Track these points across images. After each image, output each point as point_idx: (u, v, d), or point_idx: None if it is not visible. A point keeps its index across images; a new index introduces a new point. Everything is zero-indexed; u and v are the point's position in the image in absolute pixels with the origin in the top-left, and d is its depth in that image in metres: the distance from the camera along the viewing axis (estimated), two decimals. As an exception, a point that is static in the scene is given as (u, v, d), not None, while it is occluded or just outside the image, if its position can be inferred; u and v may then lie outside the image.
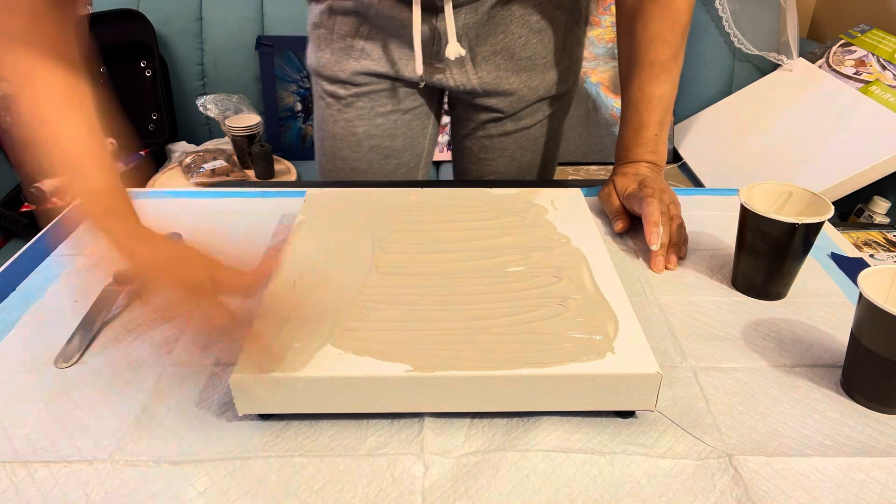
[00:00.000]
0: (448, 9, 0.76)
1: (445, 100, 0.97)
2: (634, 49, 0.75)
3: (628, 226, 0.73)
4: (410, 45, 0.81)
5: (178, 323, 0.59)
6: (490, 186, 0.73)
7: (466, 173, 1.00)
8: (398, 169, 0.95)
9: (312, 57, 0.90)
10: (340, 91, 0.89)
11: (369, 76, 0.87)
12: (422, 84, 0.87)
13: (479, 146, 0.95)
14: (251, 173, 1.69)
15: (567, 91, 0.92)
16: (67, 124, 0.54)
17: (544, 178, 1.00)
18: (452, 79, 0.86)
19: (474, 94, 0.88)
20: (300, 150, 1.88)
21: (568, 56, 0.88)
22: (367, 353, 0.48)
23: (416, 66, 0.81)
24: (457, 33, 0.78)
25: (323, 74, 0.89)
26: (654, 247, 0.66)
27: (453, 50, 0.78)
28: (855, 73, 1.56)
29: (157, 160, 1.77)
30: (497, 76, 0.86)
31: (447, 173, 1.73)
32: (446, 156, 1.78)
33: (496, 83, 0.87)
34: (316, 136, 0.97)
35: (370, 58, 0.85)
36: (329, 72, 0.88)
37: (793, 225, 0.58)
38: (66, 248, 0.71)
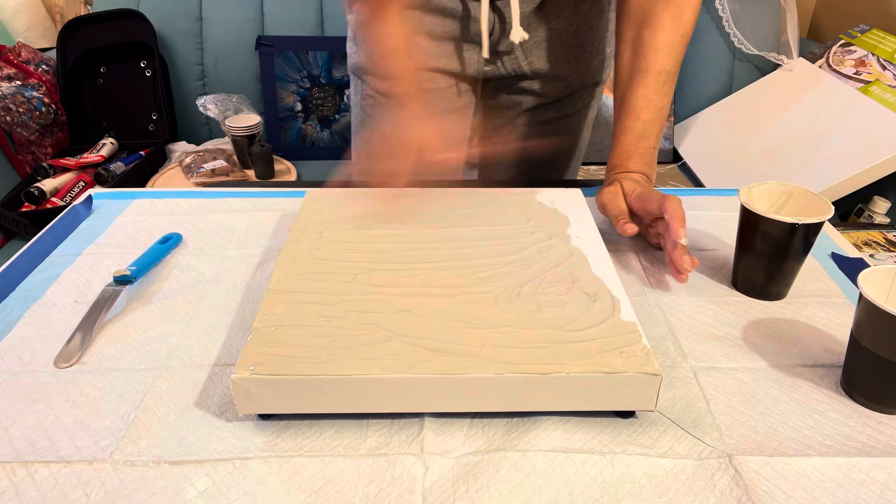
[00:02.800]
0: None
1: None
2: (641, 56, 0.74)
3: (637, 228, 0.70)
4: (466, 38, 0.82)
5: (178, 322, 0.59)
6: (489, 186, 0.73)
7: (492, 157, 1.00)
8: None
9: (361, 57, 0.89)
10: (394, 89, 0.87)
11: (428, 72, 0.87)
12: (481, 73, 0.86)
13: (518, 133, 0.95)
14: (251, 173, 1.69)
15: (604, 79, 0.94)
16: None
17: (575, 167, 1.01)
18: (503, 67, 0.87)
19: (522, 77, 0.89)
20: (300, 150, 1.88)
21: (608, 44, 0.90)
22: (366, 353, 0.48)
23: (483, 51, 0.81)
24: (520, 15, 0.79)
25: (374, 72, 0.88)
26: (684, 240, 0.63)
27: (517, 34, 0.79)
28: (855, 73, 1.56)
29: (157, 160, 1.77)
30: (548, 61, 0.87)
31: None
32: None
33: (547, 67, 0.87)
34: (359, 138, 0.95)
35: (425, 53, 0.85)
36: (382, 70, 0.86)
37: (793, 225, 0.58)
38: (66, 248, 0.71)
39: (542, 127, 0.94)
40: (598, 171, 1.84)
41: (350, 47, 0.92)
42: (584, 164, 1.86)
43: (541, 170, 0.99)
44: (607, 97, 1.85)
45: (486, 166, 1.02)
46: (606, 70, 0.92)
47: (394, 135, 0.89)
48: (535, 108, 0.92)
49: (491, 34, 0.82)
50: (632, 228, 0.68)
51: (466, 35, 0.83)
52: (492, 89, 0.95)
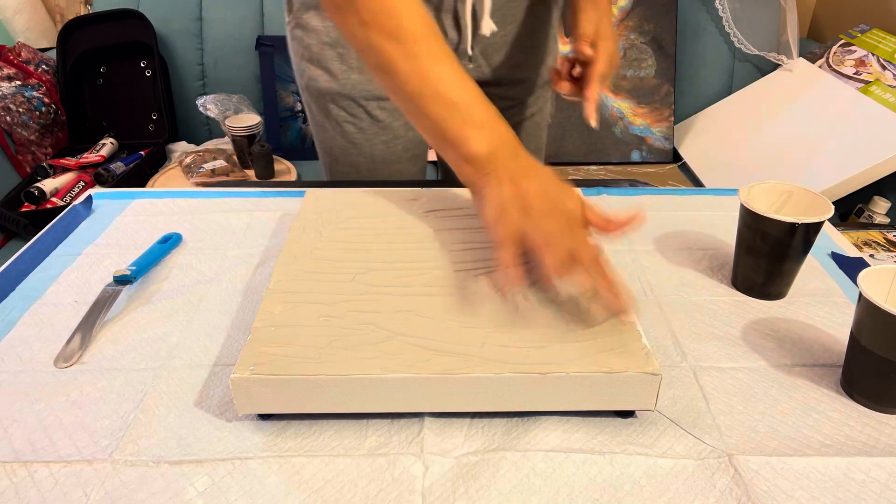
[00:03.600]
0: None
1: None
2: None
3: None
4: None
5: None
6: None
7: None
8: (417, 167, 0.95)
9: (330, 81, 0.83)
10: (377, 111, 0.84)
11: None
12: (471, 66, 0.85)
13: None
14: (251, 173, 1.69)
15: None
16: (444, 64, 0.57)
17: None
18: (469, 72, 0.86)
19: (487, 84, 0.88)
20: (300, 150, 1.88)
21: (556, 42, 0.92)
22: (366, 353, 0.48)
23: (469, 45, 0.81)
24: (490, 9, 0.79)
25: (350, 96, 0.83)
26: (593, 122, 0.67)
27: (487, 25, 0.79)
28: (855, 73, 1.56)
29: (157, 160, 1.77)
30: (510, 66, 0.87)
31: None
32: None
33: (510, 72, 0.88)
34: (344, 162, 0.91)
35: None
36: (360, 92, 0.83)
37: (793, 225, 0.58)
38: (66, 248, 0.71)
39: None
40: (598, 171, 1.84)
41: (306, 70, 0.85)
42: (584, 164, 1.86)
43: None
44: (607, 97, 1.86)
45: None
46: (556, 62, 0.94)
47: (382, 155, 0.87)
48: (504, 112, 0.92)
49: (458, 42, 0.82)
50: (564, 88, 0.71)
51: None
52: None
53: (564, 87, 0.73)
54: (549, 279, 0.54)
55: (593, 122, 0.68)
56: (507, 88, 0.90)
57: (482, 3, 0.78)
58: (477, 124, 0.57)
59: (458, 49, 0.83)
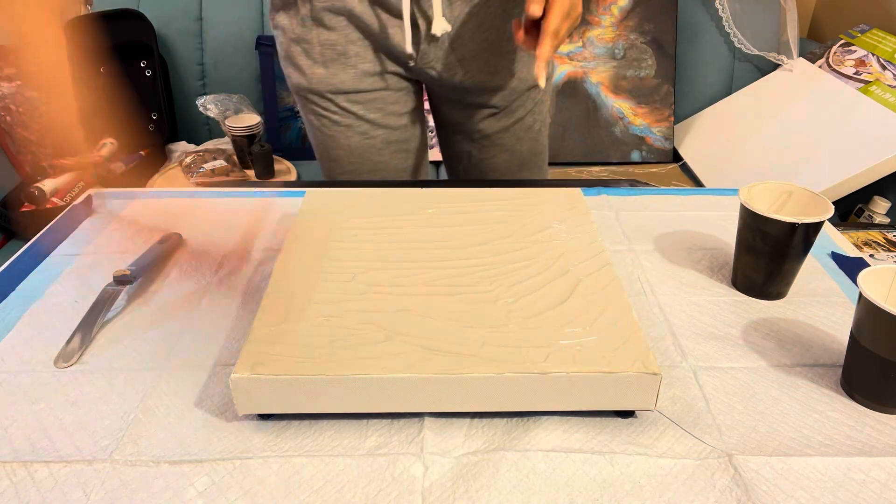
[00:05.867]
0: None
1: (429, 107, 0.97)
2: None
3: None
4: (397, 40, 0.81)
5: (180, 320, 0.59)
6: (488, 186, 0.73)
7: (467, 177, 1.00)
8: (407, 163, 0.95)
9: (300, 77, 0.86)
10: (346, 104, 0.87)
11: (371, 78, 0.86)
12: (412, 63, 0.85)
13: (477, 147, 0.96)
14: (251, 173, 1.69)
15: (550, 75, 0.93)
16: None
17: (542, 167, 1.01)
18: (439, 75, 0.86)
19: (466, 92, 0.89)
20: (300, 150, 1.88)
21: None
22: (366, 353, 0.48)
23: (406, 45, 0.80)
24: (441, 8, 0.78)
25: (318, 91, 0.86)
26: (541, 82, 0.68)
27: (439, 26, 0.78)
28: (855, 73, 1.56)
29: (157, 160, 1.77)
30: (487, 72, 0.87)
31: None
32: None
33: (487, 80, 0.87)
34: (326, 157, 0.94)
35: (365, 60, 0.84)
36: (326, 86, 0.86)
37: (793, 225, 0.58)
38: (66, 248, 0.71)
39: (499, 135, 0.94)
40: (599, 172, 1.84)
41: (284, 69, 0.88)
42: (584, 164, 1.86)
43: (513, 177, 0.99)
44: (607, 97, 1.86)
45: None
46: (551, 65, 0.91)
47: (361, 146, 0.89)
48: (486, 119, 0.92)
49: (417, 43, 0.82)
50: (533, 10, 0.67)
51: (391, 48, 0.82)
52: (441, 107, 0.95)
53: (525, 43, 0.71)
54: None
55: (541, 82, 0.67)
56: (489, 96, 0.89)
57: (429, 4, 0.78)
58: None
59: (398, 55, 0.82)
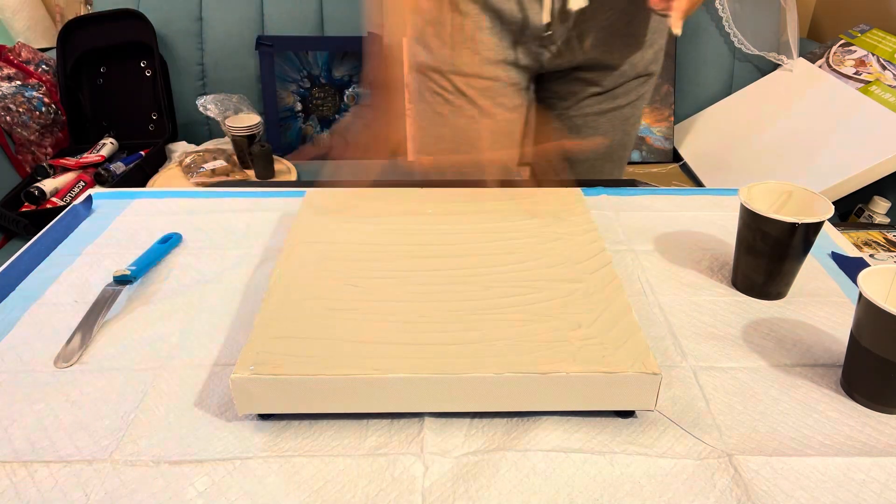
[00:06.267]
0: None
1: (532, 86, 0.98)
2: None
3: None
4: (525, 28, 0.84)
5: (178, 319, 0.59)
6: (488, 187, 0.73)
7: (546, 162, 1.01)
8: (496, 157, 0.97)
9: (427, 56, 0.90)
10: (463, 86, 0.89)
11: (490, 66, 0.88)
12: (538, 66, 0.88)
13: (571, 125, 0.97)
14: (251, 173, 1.69)
15: (656, 72, 0.95)
16: None
17: (623, 163, 1.02)
18: (559, 56, 0.88)
19: (576, 68, 0.90)
20: (300, 150, 1.88)
21: (661, 35, 0.91)
22: (366, 353, 0.48)
23: (543, 15, 0.82)
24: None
25: (440, 70, 0.90)
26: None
27: (576, 1, 0.80)
28: (855, 73, 1.56)
29: (157, 160, 1.77)
30: (602, 50, 0.88)
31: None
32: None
33: (601, 57, 0.89)
34: (429, 133, 0.96)
35: (489, 48, 0.87)
36: (448, 66, 0.89)
37: (793, 225, 0.58)
38: (66, 248, 0.71)
39: (595, 118, 0.95)
40: (598, 171, 1.84)
41: (413, 49, 0.92)
42: (584, 163, 1.86)
43: (593, 166, 1.00)
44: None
45: (538, 163, 1.03)
46: (660, 61, 0.94)
47: (464, 129, 0.91)
48: (588, 98, 0.94)
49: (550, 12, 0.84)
50: None
51: (525, 24, 0.85)
52: (546, 81, 0.96)
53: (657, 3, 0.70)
54: None
55: (676, 30, 0.67)
56: (597, 74, 0.90)
57: None
58: None
59: (531, 32, 0.84)
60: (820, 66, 1.67)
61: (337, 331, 0.50)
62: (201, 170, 1.63)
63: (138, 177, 1.67)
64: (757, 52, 1.81)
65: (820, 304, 0.62)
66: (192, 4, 1.80)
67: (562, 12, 0.84)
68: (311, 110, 1.87)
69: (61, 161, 1.67)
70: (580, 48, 0.87)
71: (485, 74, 0.89)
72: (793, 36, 1.76)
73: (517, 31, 0.87)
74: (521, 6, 0.84)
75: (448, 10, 0.86)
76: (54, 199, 1.57)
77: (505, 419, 0.49)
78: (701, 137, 1.83)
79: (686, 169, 1.81)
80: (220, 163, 1.65)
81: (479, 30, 0.87)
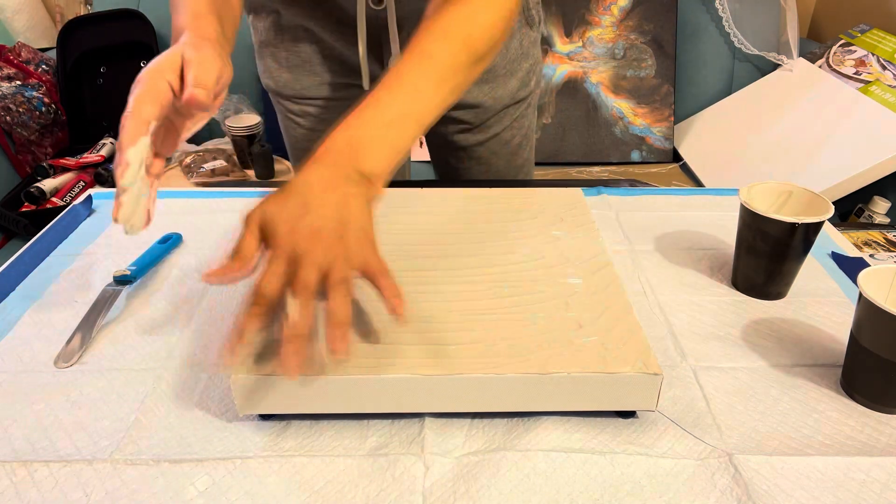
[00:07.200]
0: (391, 24, 0.74)
1: None
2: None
3: None
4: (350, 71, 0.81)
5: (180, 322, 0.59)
6: (488, 186, 0.73)
7: (449, 182, 0.99)
8: None
9: (267, 79, 0.87)
10: (309, 109, 0.87)
11: (334, 87, 0.85)
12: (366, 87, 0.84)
13: (455, 157, 0.94)
14: (251, 173, 1.69)
15: (530, 92, 0.91)
16: None
17: (529, 173, 0.99)
18: None
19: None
20: (300, 150, 1.88)
21: (526, 60, 0.87)
22: (366, 353, 0.48)
23: (363, 83, 0.80)
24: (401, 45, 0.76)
25: (284, 94, 0.87)
26: None
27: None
28: (855, 73, 1.56)
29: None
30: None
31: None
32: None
33: (460, 99, 0.85)
34: (293, 158, 0.95)
35: (329, 70, 0.83)
36: (291, 90, 0.86)
37: (793, 224, 0.58)
38: (66, 248, 0.71)
39: (474, 148, 0.92)
40: (599, 172, 1.84)
41: (258, 62, 0.89)
42: (584, 164, 1.86)
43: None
44: (607, 97, 1.86)
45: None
46: (531, 84, 0.90)
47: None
48: (459, 134, 0.91)
49: (382, 51, 0.81)
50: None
51: (351, 65, 0.82)
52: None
53: None
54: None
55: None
56: (460, 112, 0.87)
57: (387, 38, 0.76)
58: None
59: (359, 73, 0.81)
60: (820, 66, 1.67)
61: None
62: (201, 170, 1.63)
63: (138, 177, 1.67)
64: (757, 52, 1.82)
65: (820, 304, 0.62)
66: (192, 4, 1.80)
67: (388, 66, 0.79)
68: (310, 110, 1.87)
69: (61, 161, 1.67)
70: None
71: (330, 95, 0.85)
72: (793, 36, 1.76)
73: (350, 69, 0.82)
74: (346, 55, 0.80)
75: (281, 34, 0.82)
76: (54, 199, 1.57)
77: (505, 419, 0.49)
78: (701, 137, 1.83)
79: (686, 169, 1.81)
80: (220, 163, 1.65)
81: (315, 54, 0.82)
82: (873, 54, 1.56)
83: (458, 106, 0.87)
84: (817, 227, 0.59)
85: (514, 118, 0.91)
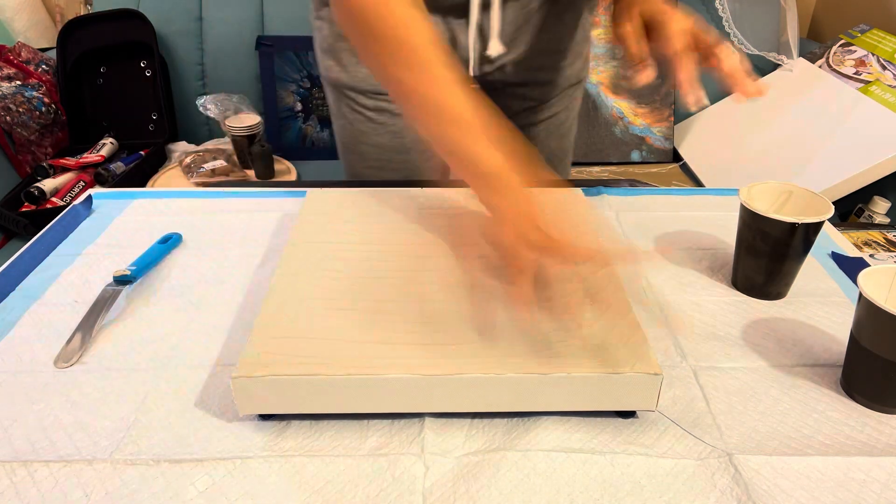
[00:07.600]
0: (495, 7, 0.77)
1: None
2: None
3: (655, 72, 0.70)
4: (453, 46, 0.82)
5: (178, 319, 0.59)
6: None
7: None
8: (430, 164, 0.95)
9: (340, 73, 0.87)
10: (383, 103, 0.87)
11: None
12: (493, 68, 0.87)
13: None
14: (251, 173, 1.69)
15: (587, 75, 0.96)
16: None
17: (566, 167, 1.04)
18: (488, 78, 0.87)
19: (507, 85, 0.89)
20: (300, 150, 1.88)
21: (587, 43, 0.92)
22: (366, 353, 0.48)
23: (470, 68, 0.82)
24: (500, 31, 0.79)
25: (359, 89, 0.86)
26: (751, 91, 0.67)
27: (494, 48, 0.80)
28: (855, 73, 1.56)
29: (157, 160, 1.77)
30: (533, 69, 0.88)
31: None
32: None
33: (533, 75, 0.88)
34: (353, 151, 0.94)
35: None
36: (368, 85, 0.86)
37: (793, 224, 0.58)
38: (66, 248, 0.71)
39: (531, 128, 0.95)
40: (599, 172, 1.84)
41: (322, 60, 0.88)
42: (584, 164, 1.86)
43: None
44: (607, 97, 1.85)
45: None
46: (588, 66, 0.94)
47: (389, 145, 0.89)
48: (522, 112, 0.93)
49: (475, 45, 0.83)
50: (643, 77, 0.71)
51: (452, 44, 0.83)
52: (484, 90, 0.94)
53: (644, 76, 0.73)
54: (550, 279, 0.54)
55: (693, 107, 0.69)
56: (528, 89, 0.90)
57: (490, 24, 0.78)
58: (491, 143, 0.58)
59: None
60: (820, 66, 1.67)
61: (337, 331, 0.50)
62: (201, 170, 1.63)
63: (138, 177, 1.67)
64: (757, 52, 1.81)
65: (820, 304, 0.62)
66: (192, 4, 1.80)
67: (482, 57, 0.83)
68: (311, 110, 1.87)
69: (61, 161, 1.67)
70: (511, 70, 0.86)
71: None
72: (793, 36, 1.76)
73: None
74: (452, 34, 0.81)
75: None
76: (54, 199, 1.57)
77: (505, 419, 0.49)
78: (701, 137, 1.83)
79: (686, 169, 1.81)
80: (220, 163, 1.65)
81: None
82: (873, 54, 1.56)
83: (528, 83, 0.89)
84: (817, 227, 0.59)
85: (572, 98, 0.95)
